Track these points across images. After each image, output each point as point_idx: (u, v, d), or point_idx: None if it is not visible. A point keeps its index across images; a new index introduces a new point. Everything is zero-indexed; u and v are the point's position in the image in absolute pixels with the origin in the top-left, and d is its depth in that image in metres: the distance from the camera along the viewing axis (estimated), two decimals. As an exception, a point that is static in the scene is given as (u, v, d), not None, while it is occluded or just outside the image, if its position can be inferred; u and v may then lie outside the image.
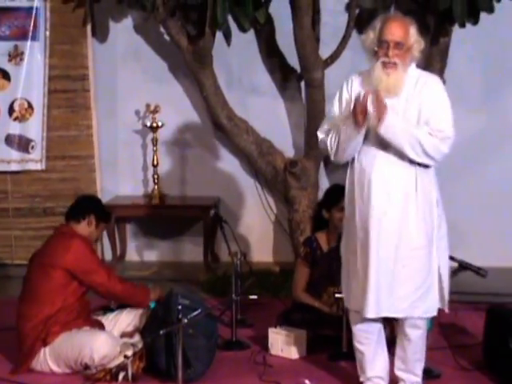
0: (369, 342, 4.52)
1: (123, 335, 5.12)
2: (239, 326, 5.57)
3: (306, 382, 4.79)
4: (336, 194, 5.65)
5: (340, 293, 4.93)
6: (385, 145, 4.29)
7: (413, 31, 4.30)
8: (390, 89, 4.28)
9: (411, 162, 4.29)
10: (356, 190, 4.39)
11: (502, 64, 7.22)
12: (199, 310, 4.78)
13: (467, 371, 4.93)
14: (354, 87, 4.44)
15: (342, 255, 4.59)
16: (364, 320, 4.44)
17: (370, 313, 4.35)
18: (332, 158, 4.49)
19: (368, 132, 4.30)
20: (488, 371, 4.95)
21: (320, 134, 4.52)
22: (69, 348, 4.88)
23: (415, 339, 4.46)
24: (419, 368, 4.54)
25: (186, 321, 4.66)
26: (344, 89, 4.48)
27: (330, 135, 4.40)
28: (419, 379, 4.54)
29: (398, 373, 4.55)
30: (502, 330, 4.94)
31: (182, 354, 4.63)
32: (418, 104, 4.30)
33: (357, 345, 4.56)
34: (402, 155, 4.27)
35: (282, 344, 5.29)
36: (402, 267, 4.32)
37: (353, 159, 4.43)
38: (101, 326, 5.11)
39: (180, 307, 4.71)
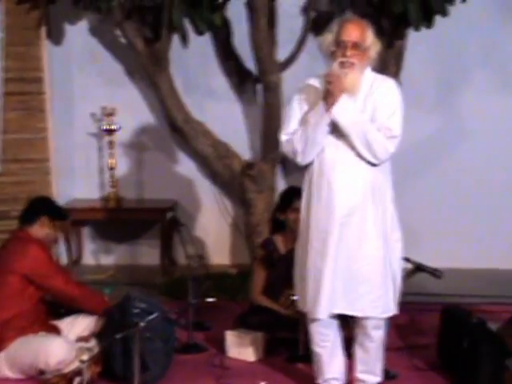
0: (326, 343, 4.53)
1: (79, 339, 5.08)
2: (196, 329, 5.57)
3: (263, 384, 4.81)
4: (290, 195, 5.68)
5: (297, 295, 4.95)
6: (344, 147, 4.31)
7: (369, 33, 4.34)
8: (347, 88, 4.31)
9: (369, 163, 4.31)
10: (314, 191, 4.40)
11: (457, 66, 7.28)
12: (156, 314, 4.76)
13: (422, 371, 4.96)
14: (313, 90, 4.45)
15: (296, 256, 4.60)
16: (321, 322, 4.45)
17: (322, 313, 4.36)
18: (298, 158, 4.46)
19: (327, 134, 4.32)
20: (443, 371, 5.00)
21: (283, 137, 4.50)
22: (24, 353, 4.83)
23: (377, 340, 4.48)
24: (379, 368, 4.56)
25: (142, 324, 4.64)
26: (302, 91, 4.50)
27: (297, 133, 4.40)
28: (380, 379, 4.57)
29: (359, 375, 4.55)
30: (457, 330, 4.99)
31: (138, 358, 4.60)
32: (372, 105, 4.33)
33: (314, 347, 4.56)
34: (360, 157, 4.29)
35: (239, 346, 5.30)
36: (362, 267, 4.34)
37: (310, 162, 4.45)
38: (57, 331, 5.07)
39: (137, 311, 4.69)
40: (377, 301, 4.39)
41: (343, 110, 4.26)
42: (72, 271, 7.03)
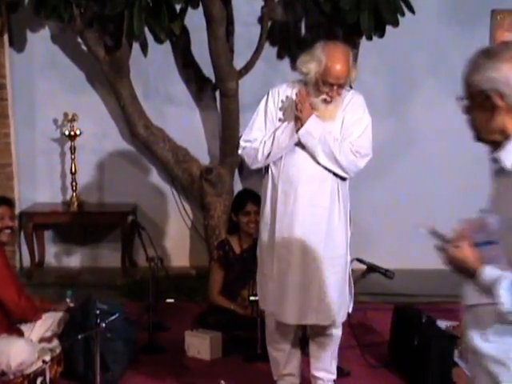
0: (285, 341, 4.55)
1: (41, 340, 5.05)
2: (156, 329, 5.57)
3: (222, 382, 4.80)
4: (241, 199, 5.73)
5: (255, 295, 4.97)
6: (311, 159, 4.32)
7: (351, 64, 4.30)
8: (328, 118, 4.32)
9: (335, 174, 4.34)
10: (280, 197, 4.37)
11: (407, 74, 7.36)
12: (117, 315, 4.76)
13: (375, 368, 5.02)
14: (282, 98, 4.43)
15: (258, 257, 4.61)
16: (280, 322, 4.46)
17: (292, 319, 4.38)
18: (254, 166, 4.49)
19: (295, 145, 4.33)
20: (394, 368, 5.05)
21: (242, 143, 4.49)
22: None
23: (336, 339, 4.52)
24: (334, 366, 4.60)
25: (103, 325, 4.63)
26: (270, 99, 4.46)
27: (260, 143, 4.38)
28: (335, 376, 4.61)
29: (315, 372, 4.59)
30: (408, 328, 5.04)
31: (99, 358, 4.59)
32: (342, 119, 4.34)
33: (273, 344, 4.59)
34: (326, 168, 4.31)
35: (199, 346, 5.31)
36: (330, 275, 4.34)
37: (268, 165, 4.45)
38: (19, 333, 5.04)
39: (98, 312, 4.67)
40: (341, 306, 4.42)
41: (310, 133, 4.26)
42: (34, 274, 7.03)
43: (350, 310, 4.53)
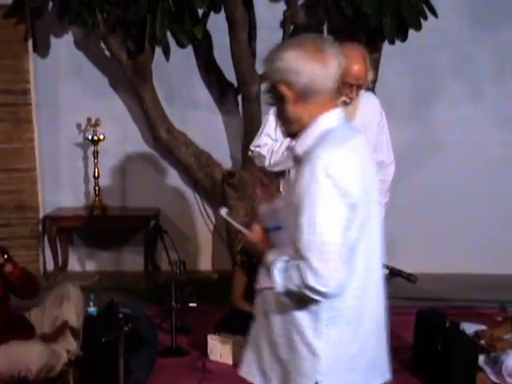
0: None
1: (55, 333, 5.03)
2: (179, 333, 5.56)
3: None
4: None
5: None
6: None
7: (368, 64, 4.33)
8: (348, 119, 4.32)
9: None
10: None
11: (429, 78, 7.33)
12: (140, 319, 4.76)
13: (398, 373, 4.92)
14: None
15: None
16: None
17: None
18: (265, 167, 4.51)
19: None
20: (418, 373, 5.01)
21: (252, 147, 4.56)
22: (3, 364, 4.78)
23: None
24: None
25: (126, 329, 4.63)
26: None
27: (268, 148, 4.42)
28: None
29: None
30: (431, 332, 5.01)
31: (122, 362, 4.60)
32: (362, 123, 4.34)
33: None
34: None
35: (221, 350, 5.31)
36: None
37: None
38: (30, 328, 5.03)
39: (121, 316, 4.67)
40: None
41: None
42: (57, 277, 7.04)
43: None
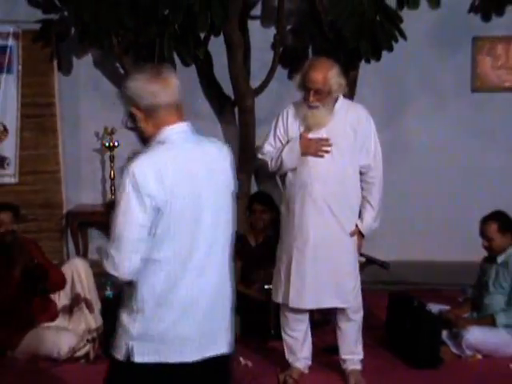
0: (300, 328, 4.51)
1: (71, 305, 5.04)
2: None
3: (241, 359, 4.81)
4: (250, 200, 5.79)
5: (269, 284, 4.97)
6: (321, 165, 4.32)
7: (332, 75, 4.24)
8: (316, 124, 4.30)
9: (342, 177, 4.34)
10: (297, 199, 4.35)
11: (399, 92, 7.34)
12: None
13: (373, 348, 4.99)
14: (290, 117, 4.44)
15: (276, 257, 4.56)
16: (298, 311, 4.43)
17: (310, 305, 4.39)
18: (272, 169, 4.51)
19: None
20: (390, 347, 5.03)
21: (259, 155, 4.55)
22: (36, 347, 4.80)
23: (358, 321, 4.48)
24: (360, 347, 4.54)
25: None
26: (280, 119, 4.48)
27: (273, 157, 4.42)
28: (361, 356, 4.54)
29: (343, 355, 4.52)
30: (401, 312, 5.03)
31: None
32: (354, 131, 4.32)
33: (289, 331, 4.53)
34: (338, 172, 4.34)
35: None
36: (344, 264, 4.35)
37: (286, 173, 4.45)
38: (54, 307, 5.04)
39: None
40: (355, 291, 4.41)
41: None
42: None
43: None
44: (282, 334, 4.58)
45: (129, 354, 2.70)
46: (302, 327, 4.51)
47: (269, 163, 4.46)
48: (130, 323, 2.72)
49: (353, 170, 4.35)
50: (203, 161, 2.78)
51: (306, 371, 4.59)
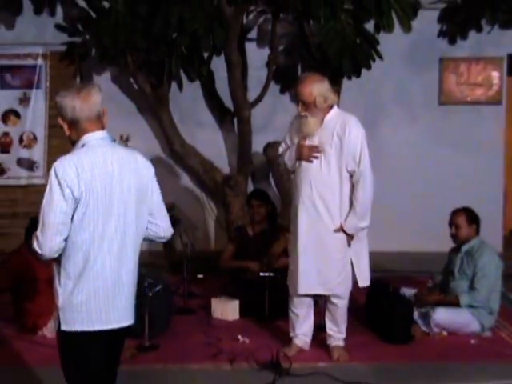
0: (300, 308, 4.49)
1: None
2: (189, 297, 5.58)
3: (239, 337, 4.80)
4: (248, 197, 5.80)
5: (264, 272, 4.98)
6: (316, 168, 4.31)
7: (317, 88, 4.21)
8: (306, 132, 4.30)
9: (335, 179, 4.31)
10: (294, 199, 4.37)
11: (377, 105, 7.36)
12: (160, 286, 4.77)
13: (355, 326, 4.98)
14: (294, 126, 4.46)
15: (290, 247, 4.55)
16: (299, 294, 4.41)
17: (302, 291, 4.36)
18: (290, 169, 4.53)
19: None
20: (369, 325, 5.03)
21: (280, 159, 4.60)
22: None
23: (341, 308, 4.45)
24: (343, 327, 4.52)
25: (150, 294, 4.65)
26: (290, 128, 4.51)
27: (286, 155, 4.47)
28: (344, 335, 4.53)
29: (329, 331, 4.51)
30: (379, 296, 5.03)
31: (147, 318, 4.62)
32: (339, 138, 4.26)
33: (293, 309, 4.50)
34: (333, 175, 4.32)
35: (222, 310, 5.31)
36: (332, 257, 4.32)
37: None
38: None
39: (146, 284, 4.69)
40: (342, 282, 4.38)
41: None
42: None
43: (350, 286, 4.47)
44: (289, 310, 4.54)
45: (59, 324, 2.86)
46: (303, 307, 4.48)
47: (286, 163, 4.50)
48: (58, 296, 2.85)
49: (339, 175, 4.29)
50: (116, 162, 2.89)
51: (306, 348, 4.55)
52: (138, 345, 4.60)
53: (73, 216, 2.77)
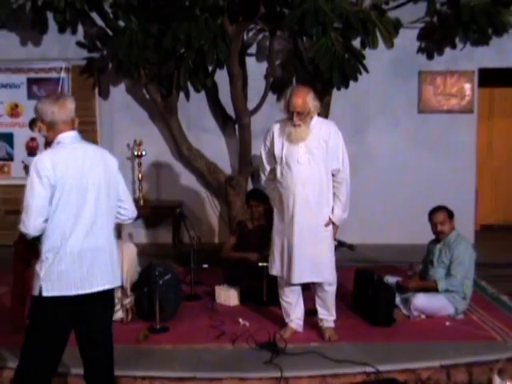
0: (292, 296, 4.48)
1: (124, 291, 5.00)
2: (196, 284, 5.56)
3: (240, 320, 4.80)
4: (247, 197, 5.77)
5: (262, 263, 4.96)
6: (306, 169, 4.28)
7: (309, 99, 4.20)
8: (298, 138, 4.25)
9: (322, 178, 4.29)
10: (285, 198, 4.30)
11: (363, 113, 7.36)
12: (169, 275, 4.76)
13: (343, 311, 4.98)
14: (275, 133, 4.36)
15: (271, 240, 4.47)
16: (289, 283, 4.38)
17: (296, 280, 4.32)
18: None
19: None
20: (356, 309, 5.02)
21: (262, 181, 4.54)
22: None
23: (331, 293, 4.45)
24: (333, 310, 4.52)
25: (161, 282, 4.64)
26: (267, 135, 4.42)
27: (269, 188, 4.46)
28: (334, 317, 4.53)
29: (320, 315, 4.51)
30: (364, 283, 5.02)
31: (158, 304, 4.61)
32: (324, 143, 4.26)
33: (284, 298, 4.50)
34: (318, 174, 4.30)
35: (224, 296, 5.30)
36: (322, 248, 4.30)
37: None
38: None
39: (157, 273, 4.68)
40: (331, 269, 4.37)
41: None
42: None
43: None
44: (280, 300, 4.54)
45: (40, 291, 3.05)
46: (294, 295, 4.49)
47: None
48: (40, 269, 3.06)
49: (326, 174, 4.31)
50: (86, 156, 3.16)
51: (300, 330, 4.54)
52: (150, 327, 4.61)
53: (51, 201, 3.02)
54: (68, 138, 3.15)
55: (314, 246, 4.29)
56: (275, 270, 4.43)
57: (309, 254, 4.28)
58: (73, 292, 3.06)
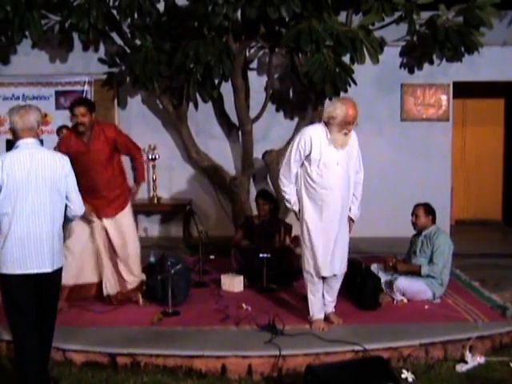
0: (320, 291, 4.34)
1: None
2: (204, 273, 5.53)
3: (243, 305, 4.76)
4: (256, 196, 5.72)
5: (263, 253, 4.92)
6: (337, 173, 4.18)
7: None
8: (345, 144, 4.15)
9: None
10: (322, 198, 4.15)
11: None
12: (180, 265, 4.72)
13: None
14: (313, 138, 4.10)
15: (305, 239, 4.26)
16: (321, 277, 4.27)
17: (329, 273, 4.25)
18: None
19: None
20: (347, 295, 4.97)
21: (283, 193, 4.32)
22: None
23: (340, 280, 4.40)
24: (335, 295, 4.46)
25: (173, 271, 4.61)
26: (302, 140, 4.11)
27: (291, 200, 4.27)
28: (335, 302, 4.47)
29: (327, 303, 4.40)
30: (354, 272, 4.97)
31: (170, 290, 4.57)
32: (352, 149, 4.22)
33: (315, 292, 4.32)
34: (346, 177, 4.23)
35: (230, 283, 5.26)
36: (345, 243, 4.25)
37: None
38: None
39: (169, 263, 4.65)
40: (346, 262, 4.35)
41: None
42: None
43: None
44: (311, 296, 4.32)
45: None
46: (320, 286, 4.34)
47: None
48: None
49: (353, 175, 4.25)
50: (35, 159, 3.29)
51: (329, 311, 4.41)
52: (163, 311, 4.57)
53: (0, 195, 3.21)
54: (25, 143, 3.30)
55: (344, 240, 4.28)
56: (312, 268, 4.22)
57: (340, 249, 4.25)
58: (17, 271, 3.25)
